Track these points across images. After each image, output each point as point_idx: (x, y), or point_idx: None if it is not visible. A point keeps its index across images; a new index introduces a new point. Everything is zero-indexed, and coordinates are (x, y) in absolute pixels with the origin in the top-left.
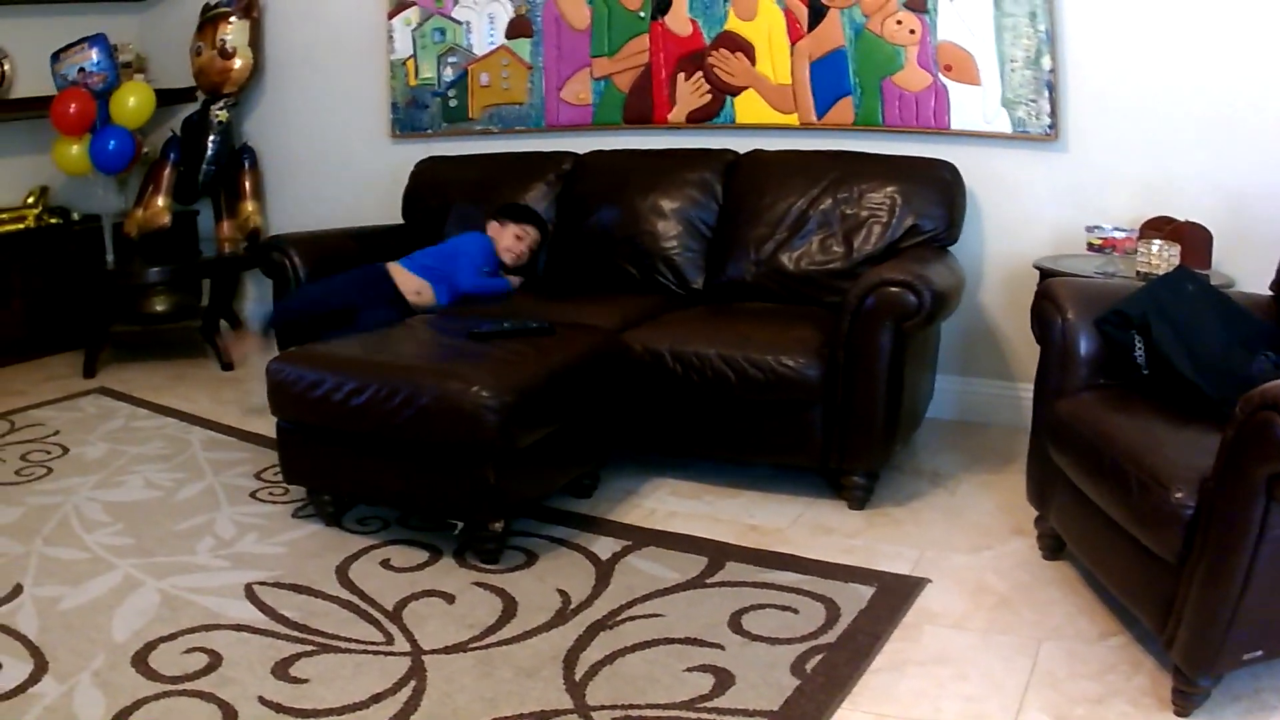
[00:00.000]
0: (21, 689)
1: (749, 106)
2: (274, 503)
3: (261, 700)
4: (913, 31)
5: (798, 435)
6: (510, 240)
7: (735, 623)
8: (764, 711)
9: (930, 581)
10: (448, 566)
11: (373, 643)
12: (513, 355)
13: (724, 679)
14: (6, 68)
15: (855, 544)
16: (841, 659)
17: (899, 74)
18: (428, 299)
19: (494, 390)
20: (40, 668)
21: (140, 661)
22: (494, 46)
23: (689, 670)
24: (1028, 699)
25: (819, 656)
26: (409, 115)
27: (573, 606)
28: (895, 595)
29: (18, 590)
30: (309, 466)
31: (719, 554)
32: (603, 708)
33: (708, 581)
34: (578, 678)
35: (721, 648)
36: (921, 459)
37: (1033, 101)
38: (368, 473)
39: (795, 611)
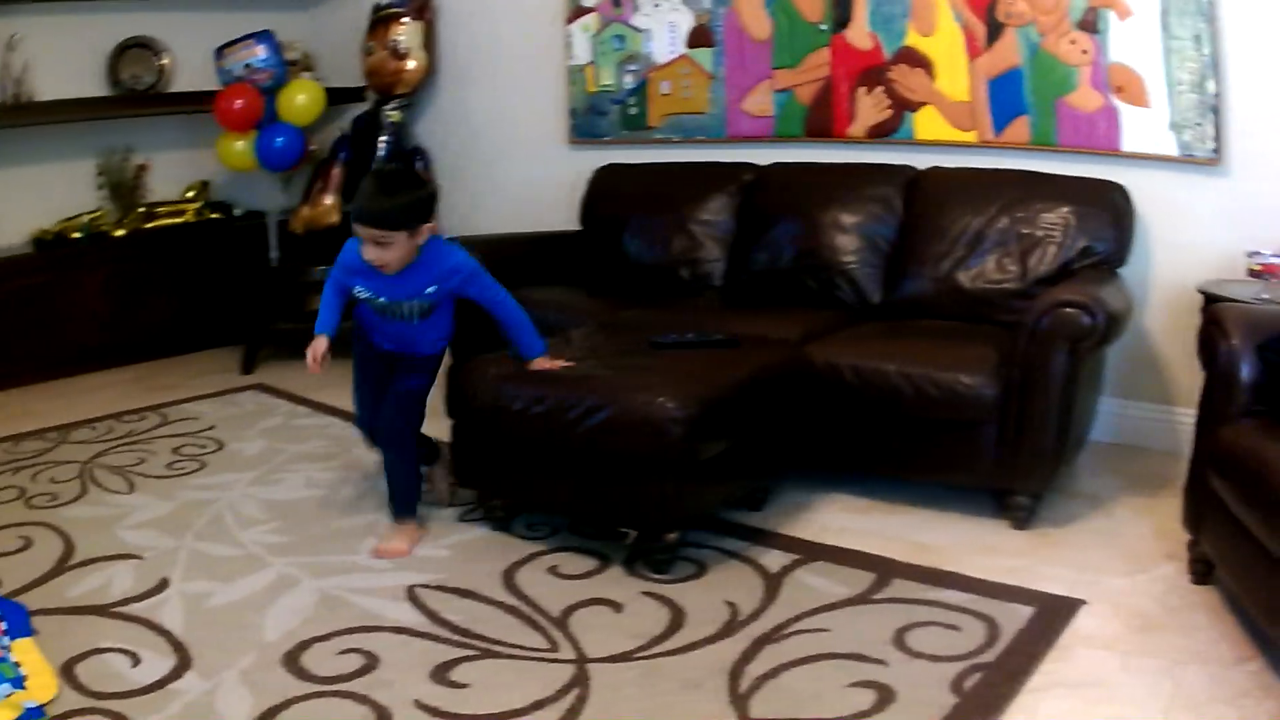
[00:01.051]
0: (161, 684)
1: (928, 122)
2: (440, 505)
3: (418, 704)
4: (1085, 52)
5: (968, 454)
6: (371, 252)
7: (899, 639)
8: None
9: (1085, 603)
10: (616, 575)
11: (536, 649)
12: (697, 367)
13: (885, 695)
14: (167, 62)
15: (1016, 564)
16: (999, 678)
17: (1073, 94)
18: None
19: (680, 402)
20: (183, 664)
21: (292, 661)
22: (675, 55)
23: (851, 685)
24: None
25: (978, 675)
26: (587, 122)
27: (740, 619)
28: (1052, 616)
29: (163, 585)
30: (482, 471)
31: (886, 570)
32: None
33: (874, 598)
34: (741, 691)
35: (885, 664)
36: (1081, 481)
37: (1198, 125)
38: (541, 479)
39: (958, 629)
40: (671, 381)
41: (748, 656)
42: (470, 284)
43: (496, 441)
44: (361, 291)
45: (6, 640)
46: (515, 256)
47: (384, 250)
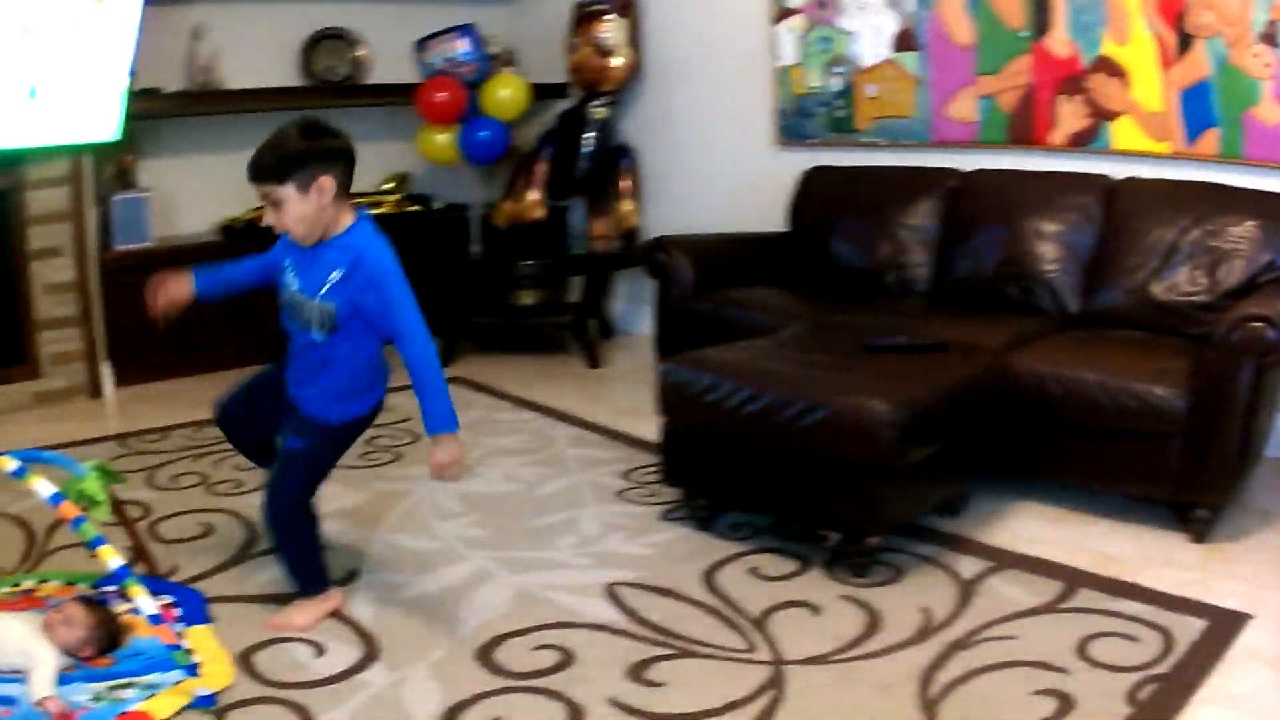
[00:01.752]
0: (345, 675)
1: (1124, 132)
2: (642, 503)
3: (612, 702)
4: (1268, 65)
5: (1155, 466)
6: (267, 215)
7: (1082, 649)
8: None
9: (1253, 618)
10: (816, 578)
11: (734, 650)
12: (909, 371)
13: (1065, 704)
14: (365, 53)
15: (1192, 577)
16: (1171, 690)
17: (1257, 107)
18: None
19: (892, 407)
20: (370, 655)
21: (484, 656)
22: (881, 59)
23: (1035, 693)
24: None
25: (1152, 687)
26: (795, 123)
27: (934, 625)
28: (1224, 630)
29: (352, 575)
30: (689, 470)
31: (1073, 580)
32: None
33: (1060, 607)
34: (931, 696)
35: (1067, 672)
36: (1256, 496)
37: None
38: (747, 479)
39: (1136, 640)
40: (885, 384)
41: (939, 662)
42: (372, 283)
43: (707, 439)
44: (287, 275)
45: (181, 627)
46: (724, 257)
47: (276, 212)
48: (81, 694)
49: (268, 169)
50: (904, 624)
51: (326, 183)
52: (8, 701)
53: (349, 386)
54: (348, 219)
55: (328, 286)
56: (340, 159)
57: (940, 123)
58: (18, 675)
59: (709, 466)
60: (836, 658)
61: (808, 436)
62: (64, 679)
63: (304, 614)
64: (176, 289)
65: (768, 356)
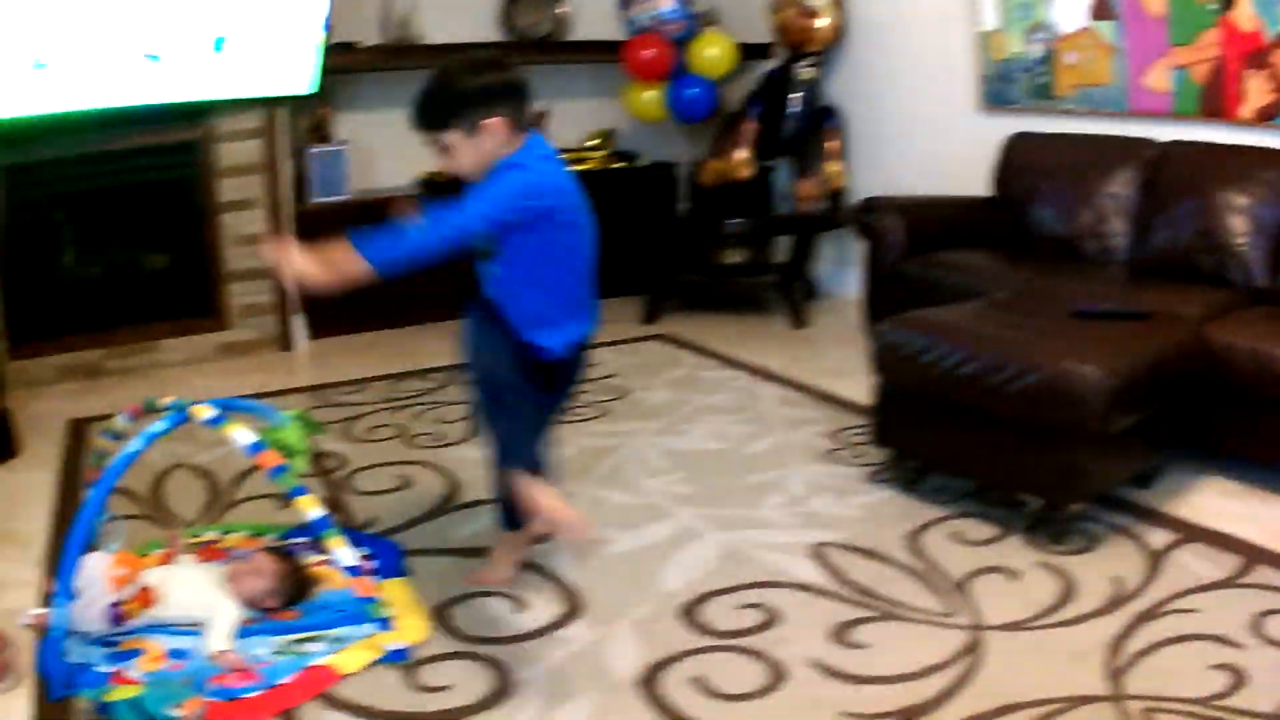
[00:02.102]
0: (546, 631)
1: None
2: (850, 465)
3: (814, 664)
4: None
5: None
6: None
7: (1257, 625)
8: (1264, 714)
9: None
10: (1016, 544)
11: (935, 614)
12: (1116, 339)
13: (1239, 679)
14: (566, 9)
15: None
16: None
17: None
18: None
19: (1104, 373)
20: (572, 611)
21: (688, 614)
22: (1079, 26)
23: (1211, 668)
24: None
25: None
26: (997, 88)
27: (1124, 595)
28: None
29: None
30: (900, 431)
31: (1252, 556)
32: (1135, 698)
33: (1238, 582)
34: (1119, 665)
35: (1243, 648)
36: None
37: None
38: (956, 443)
39: None
40: (1095, 350)
41: (1127, 633)
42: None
43: (919, 401)
44: None
45: (377, 580)
46: (932, 220)
47: (447, 158)
48: (262, 647)
49: (430, 116)
50: (1095, 593)
51: (494, 124)
52: (181, 655)
53: (516, 290)
54: (519, 144)
55: None
56: (507, 96)
57: (1136, 92)
58: (195, 628)
59: (919, 429)
60: (1032, 625)
61: (1019, 400)
62: (247, 632)
63: (503, 564)
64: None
65: (980, 320)
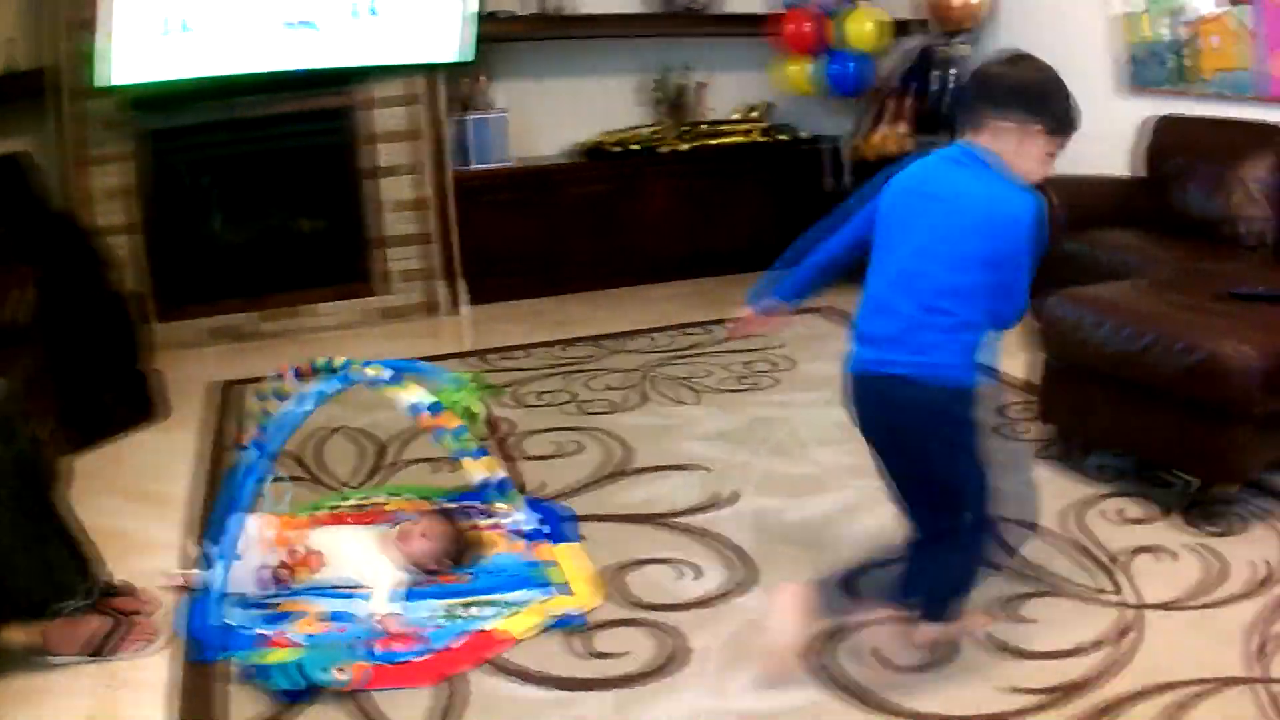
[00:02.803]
0: (721, 598)
1: None
2: (1015, 440)
3: (989, 637)
4: None
5: None
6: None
7: None
8: None
9: None
10: (1174, 523)
11: (1099, 590)
12: (1271, 321)
13: None
14: None
15: None
16: None
17: None
18: None
19: (1260, 354)
20: (748, 579)
21: (850, 585)
22: (1221, 10)
23: None
24: None
25: None
26: (1144, 69)
27: (1272, 579)
28: None
29: (734, 498)
30: (1065, 407)
31: None
32: (1277, 681)
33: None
34: (1264, 649)
35: None
36: None
37: None
38: (1116, 419)
39: None
40: (1251, 331)
41: (1273, 617)
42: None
43: (1085, 376)
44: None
45: (548, 545)
46: (1088, 199)
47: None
48: (428, 610)
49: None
50: (1245, 576)
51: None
52: (341, 618)
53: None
54: None
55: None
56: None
57: (1270, 78)
58: (359, 591)
59: (1083, 405)
60: (1186, 604)
61: (1179, 378)
62: (415, 594)
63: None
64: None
65: (1142, 297)
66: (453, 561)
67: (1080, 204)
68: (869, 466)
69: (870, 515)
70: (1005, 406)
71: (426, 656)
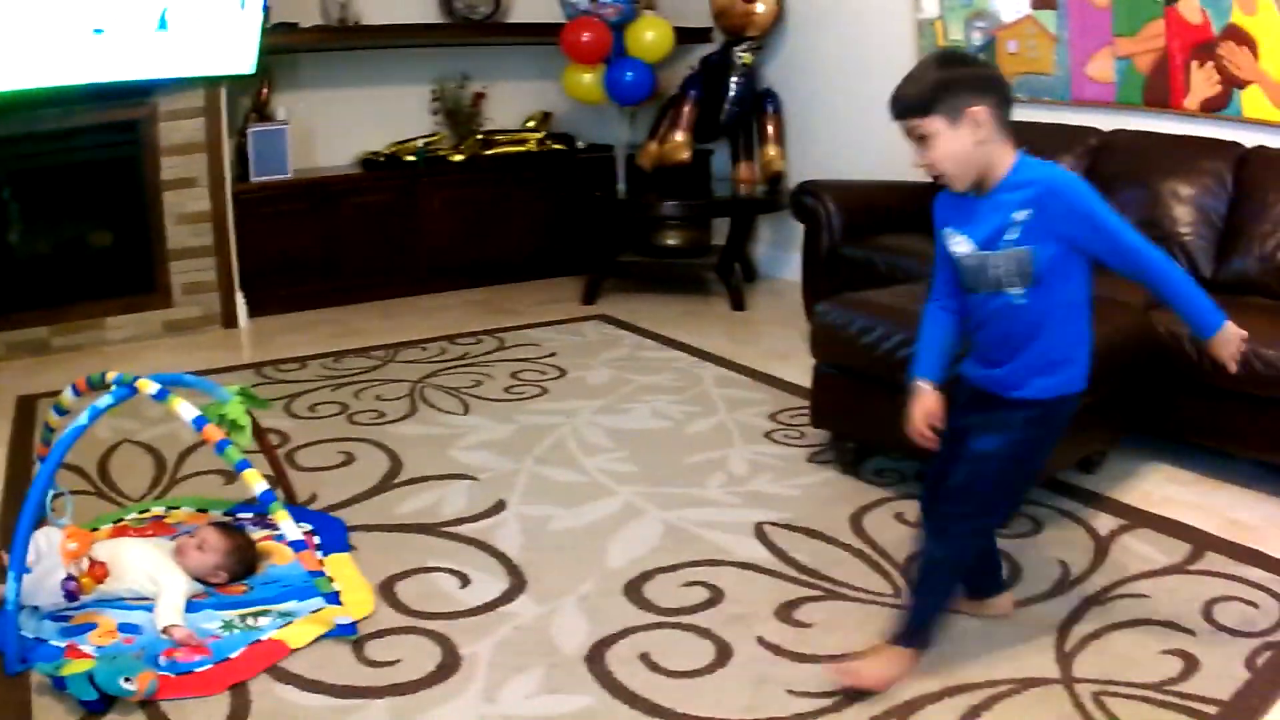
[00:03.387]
0: (491, 606)
1: (1254, 101)
2: (789, 445)
3: (760, 641)
4: None
5: None
6: (915, 156)
7: (1207, 611)
8: (1216, 700)
9: None
10: None
11: (881, 594)
12: None
13: (1191, 664)
14: None
15: None
16: None
17: None
18: None
19: None
20: (517, 586)
21: (634, 590)
22: (1020, 15)
23: (1163, 653)
24: None
25: (1269, 653)
26: None
27: (1071, 578)
28: None
29: (500, 506)
30: (838, 412)
31: (1201, 543)
32: (1085, 681)
33: (1188, 568)
34: (1068, 649)
35: (1193, 634)
36: None
37: None
38: (895, 424)
39: (1256, 607)
40: None
41: (1076, 616)
42: (1074, 212)
43: (857, 381)
44: (953, 240)
45: (321, 554)
46: (871, 203)
47: (924, 150)
48: (212, 621)
49: (910, 102)
50: (1043, 576)
51: (980, 113)
52: (131, 629)
53: (1055, 351)
54: (1009, 158)
55: (1016, 230)
56: (991, 88)
57: (1079, 81)
58: (144, 602)
59: (858, 409)
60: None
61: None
62: (194, 606)
63: (881, 668)
64: (929, 407)
65: (919, 301)
66: (234, 573)
67: (861, 209)
68: (640, 474)
69: (638, 522)
70: (783, 411)
71: (211, 666)
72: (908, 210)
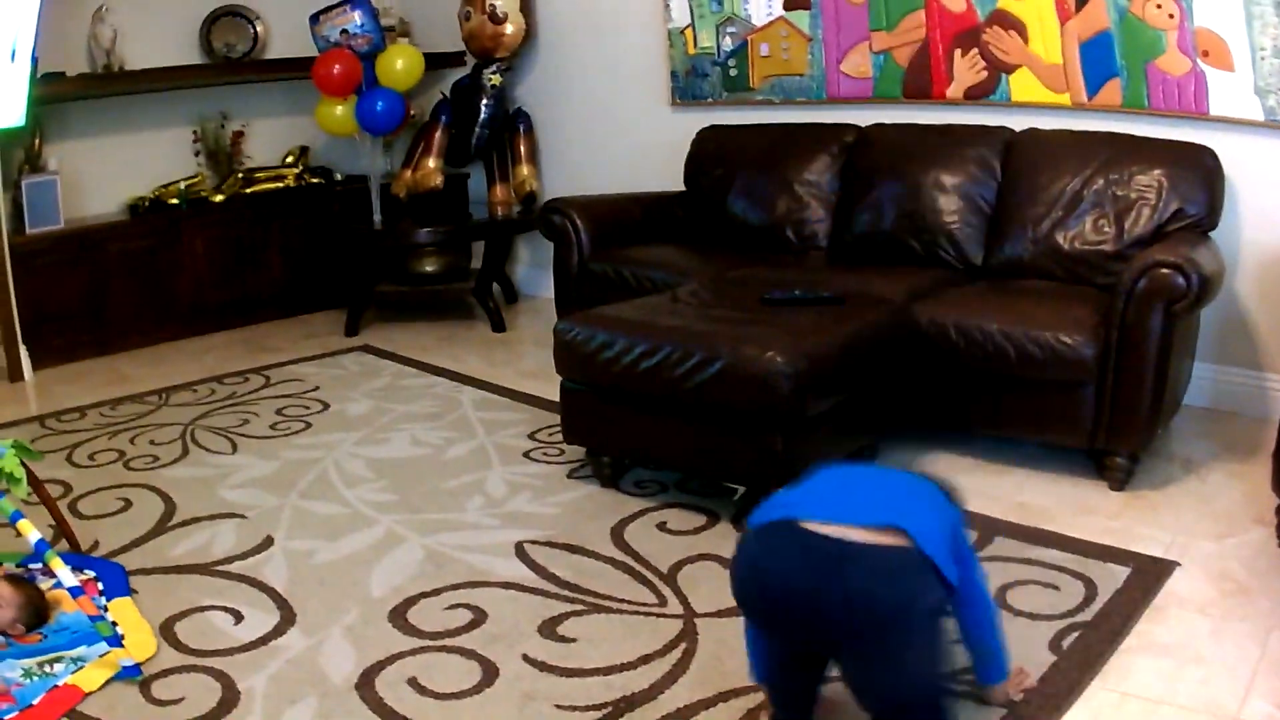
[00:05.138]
0: (264, 641)
1: (1023, 84)
2: (548, 463)
3: (526, 658)
4: (1171, 16)
5: (1068, 414)
6: None
7: (1001, 597)
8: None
9: (1180, 565)
10: (725, 531)
11: (645, 604)
12: (806, 324)
13: None
14: (260, 29)
15: (1114, 525)
16: (1096, 638)
17: (1161, 58)
18: None
19: (789, 357)
20: (287, 620)
21: (398, 616)
22: (772, 17)
23: (956, 642)
24: (1255, 686)
25: (1075, 634)
26: (689, 84)
27: None
28: (1148, 577)
29: (268, 543)
30: (590, 427)
31: (989, 529)
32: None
33: (979, 555)
34: None
35: None
36: (1175, 444)
37: None
38: (650, 436)
39: (1057, 589)
40: (781, 337)
41: None
42: None
43: (606, 396)
44: None
45: (103, 600)
46: (621, 217)
47: None
48: (13, 671)
49: None
50: None
51: None
52: None
53: None
54: None
55: None
56: None
57: (835, 79)
58: None
59: (609, 423)
60: None
61: (705, 389)
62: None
63: None
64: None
65: (664, 312)
66: (27, 624)
67: (612, 223)
68: (399, 502)
69: (402, 549)
70: (541, 430)
71: (15, 715)
72: (663, 221)
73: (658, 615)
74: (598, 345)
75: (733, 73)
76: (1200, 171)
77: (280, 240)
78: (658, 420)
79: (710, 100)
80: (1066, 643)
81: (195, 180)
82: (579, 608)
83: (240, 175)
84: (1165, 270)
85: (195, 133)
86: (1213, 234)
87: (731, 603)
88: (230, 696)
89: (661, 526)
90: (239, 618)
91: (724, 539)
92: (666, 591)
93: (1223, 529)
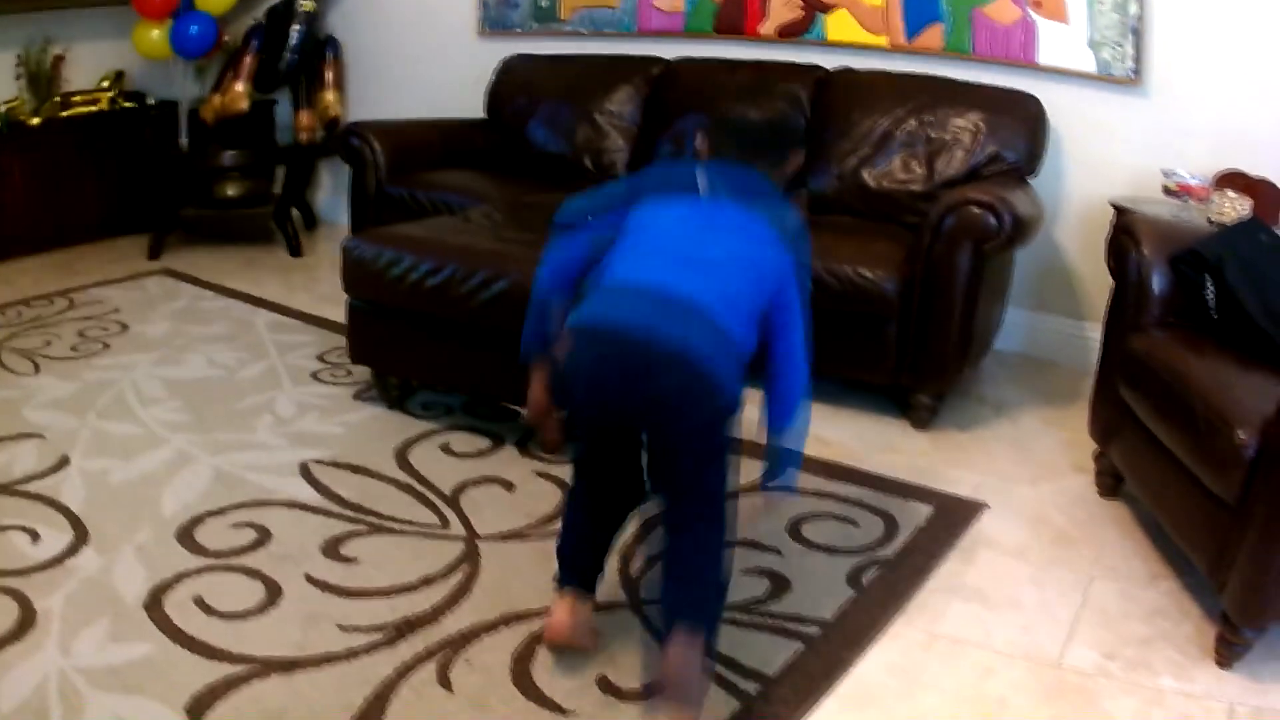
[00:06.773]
0: (59, 560)
1: (840, 24)
2: (336, 384)
3: (308, 578)
4: None
5: (871, 351)
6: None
7: (794, 530)
8: (818, 620)
9: (988, 507)
10: (509, 455)
11: (427, 525)
12: None
13: (780, 584)
14: None
15: (917, 464)
16: (899, 575)
17: (990, 5)
18: None
19: None
20: (80, 539)
21: (186, 536)
22: None
23: (746, 573)
24: (1076, 633)
25: (876, 570)
26: (499, 13)
27: None
28: (953, 517)
29: (64, 462)
30: (377, 348)
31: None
32: (655, 603)
33: (769, 485)
34: (632, 573)
35: (779, 553)
36: (987, 388)
37: (1118, 45)
38: (436, 357)
39: (855, 524)
40: None
41: (638, 536)
42: None
43: (392, 316)
44: None
45: None
46: (421, 142)
47: None
48: None
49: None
50: None
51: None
52: None
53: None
54: None
55: None
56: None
57: (646, 13)
58: None
59: (395, 344)
60: (531, 533)
61: (489, 309)
62: None
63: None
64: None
65: (453, 231)
66: None
67: (411, 148)
68: (192, 423)
69: (192, 469)
70: (330, 351)
71: None
72: (463, 148)
73: (440, 537)
74: (385, 263)
75: (543, 3)
76: (1022, 118)
77: (93, 165)
78: (444, 342)
79: (519, 30)
80: (866, 578)
81: (14, 103)
82: (362, 528)
83: (58, 99)
84: (976, 209)
85: (19, 56)
86: (1034, 182)
87: (515, 526)
88: (28, 616)
89: (445, 449)
90: (36, 537)
91: (509, 463)
92: (450, 514)
93: (1037, 474)
